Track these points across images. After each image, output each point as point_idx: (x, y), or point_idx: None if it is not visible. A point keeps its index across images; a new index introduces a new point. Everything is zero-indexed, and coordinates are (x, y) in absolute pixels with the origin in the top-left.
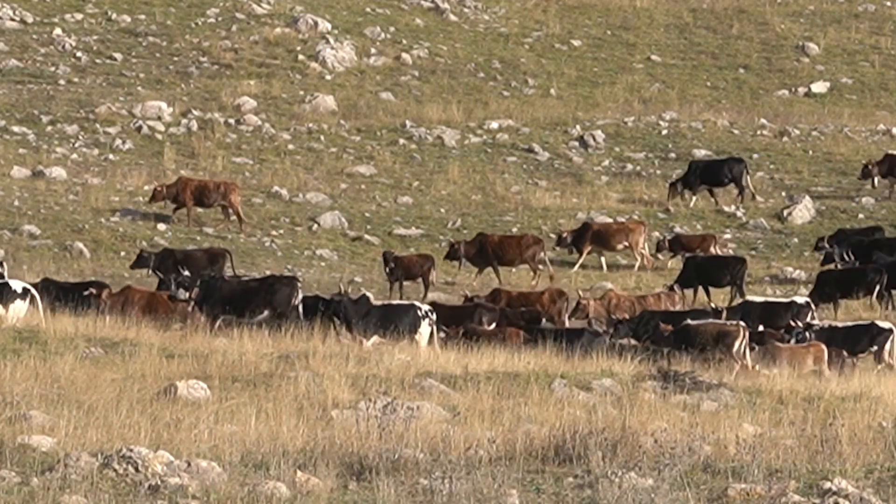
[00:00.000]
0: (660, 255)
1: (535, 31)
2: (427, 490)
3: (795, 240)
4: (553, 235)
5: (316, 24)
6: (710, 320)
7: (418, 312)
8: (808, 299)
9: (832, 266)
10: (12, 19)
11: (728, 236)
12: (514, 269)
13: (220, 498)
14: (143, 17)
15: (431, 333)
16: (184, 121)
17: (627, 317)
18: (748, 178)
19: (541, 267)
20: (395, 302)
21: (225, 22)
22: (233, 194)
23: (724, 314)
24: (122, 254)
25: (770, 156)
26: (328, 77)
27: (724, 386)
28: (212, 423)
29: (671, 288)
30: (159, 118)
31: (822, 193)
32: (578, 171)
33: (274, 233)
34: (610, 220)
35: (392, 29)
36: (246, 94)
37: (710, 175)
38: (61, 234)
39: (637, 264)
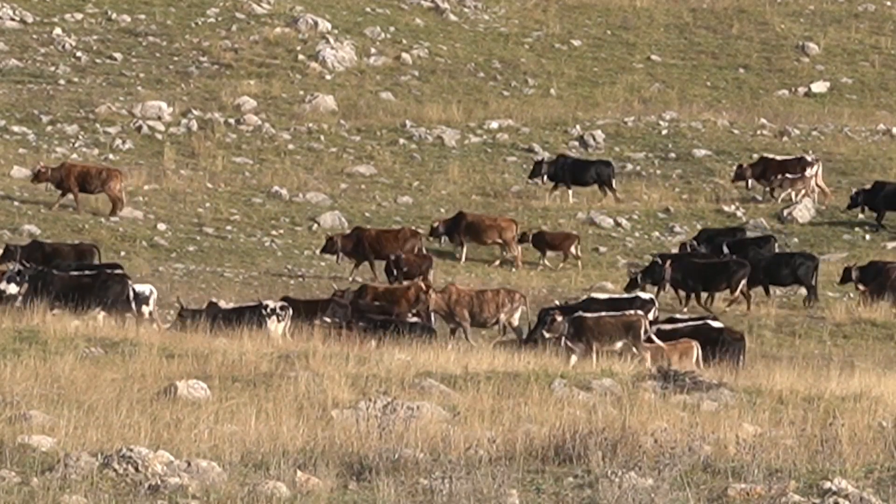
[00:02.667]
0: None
1: (535, 31)
2: (427, 490)
3: (795, 240)
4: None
5: (316, 23)
6: (609, 313)
7: (263, 311)
8: (653, 296)
9: None
10: (12, 19)
11: None
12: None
13: (220, 498)
14: (143, 17)
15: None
16: (184, 121)
17: (467, 312)
18: (614, 180)
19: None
20: (242, 304)
21: (225, 22)
22: (112, 181)
23: (565, 308)
24: (122, 254)
25: None
26: (328, 77)
27: (724, 386)
28: (212, 423)
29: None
30: (159, 118)
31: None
32: None
33: (274, 233)
34: (483, 215)
35: (392, 29)
36: (246, 94)
37: (576, 173)
38: (61, 234)
39: (510, 257)
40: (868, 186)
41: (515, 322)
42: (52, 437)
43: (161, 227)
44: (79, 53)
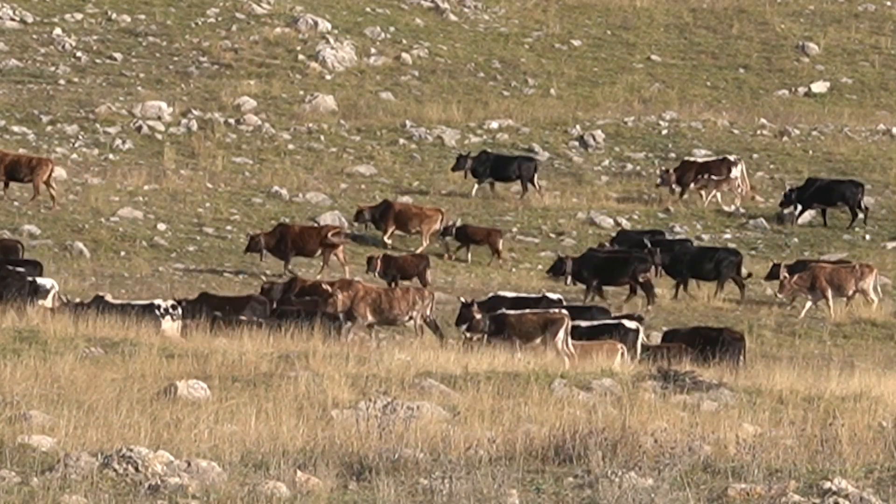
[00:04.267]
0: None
1: (535, 31)
2: (427, 490)
3: (795, 240)
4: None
5: (316, 24)
6: (529, 310)
7: (156, 311)
8: (561, 295)
9: None
10: (12, 19)
11: (728, 236)
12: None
13: (220, 498)
14: (143, 17)
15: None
16: (184, 121)
17: (373, 310)
18: (536, 175)
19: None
20: (134, 301)
21: (225, 22)
22: (41, 170)
23: (475, 306)
24: (122, 254)
25: (770, 156)
26: (328, 77)
27: (724, 386)
28: (212, 423)
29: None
30: (159, 118)
31: None
32: (578, 171)
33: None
34: (410, 203)
35: (392, 29)
36: (246, 94)
37: (498, 169)
38: (61, 234)
39: (420, 249)
40: (801, 183)
41: (430, 318)
42: (52, 437)
43: (161, 227)
44: (79, 53)
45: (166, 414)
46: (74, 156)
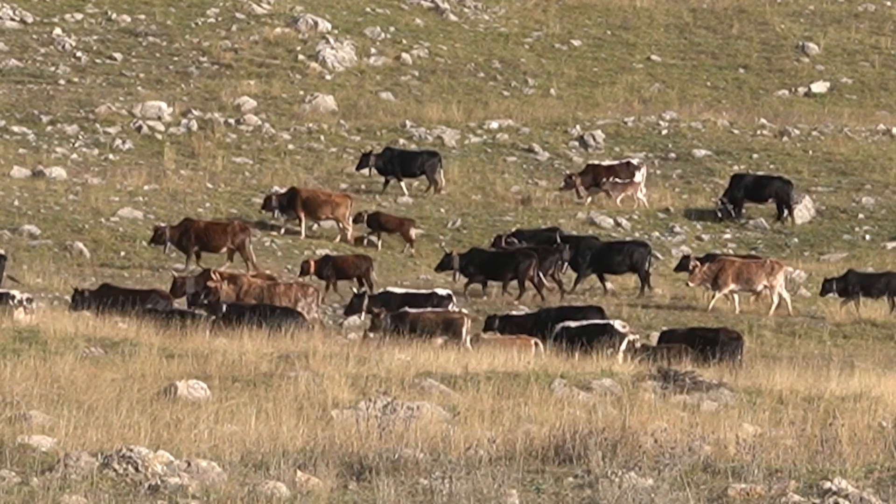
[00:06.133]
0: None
1: (535, 31)
2: (427, 490)
3: (795, 240)
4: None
5: (316, 24)
6: (431, 308)
7: (10, 302)
8: (450, 291)
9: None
10: (12, 19)
11: (728, 236)
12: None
13: (220, 498)
14: (143, 17)
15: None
16: (184, 121)
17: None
18: (441, 171)
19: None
20: None
21: (225, 22)
22: None
23: (367, 300)
24: (122, 254)
25: (770, 156)
26: (328, 77)
27: (724, 386)
28: (212, 423)
29: None
30: (159, 118)
31: (823, 193)
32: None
33: (274, 233)
34: (319, 189)
35: (392, 29)
36: (246, 94)
37: (403, 164)
38: (61, 234)
39: (339, 237)
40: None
41: (314, 315)
42: (52, 437)
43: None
44: (79, 53)
45: (166, 414)
46: (74, 156)
